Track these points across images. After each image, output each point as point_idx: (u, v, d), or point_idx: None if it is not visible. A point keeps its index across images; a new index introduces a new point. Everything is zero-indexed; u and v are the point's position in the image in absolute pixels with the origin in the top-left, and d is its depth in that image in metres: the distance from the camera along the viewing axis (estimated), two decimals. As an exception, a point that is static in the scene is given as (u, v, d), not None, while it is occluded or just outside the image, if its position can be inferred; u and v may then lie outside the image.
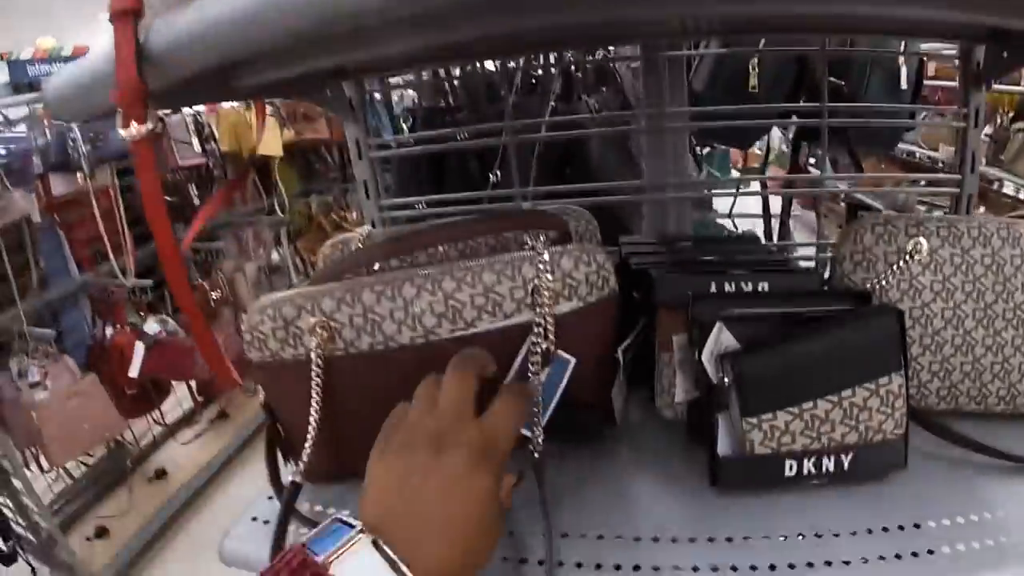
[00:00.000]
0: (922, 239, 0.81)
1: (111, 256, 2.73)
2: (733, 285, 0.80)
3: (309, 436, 0.70)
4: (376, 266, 0.79)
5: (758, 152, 2.65)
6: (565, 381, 0.71)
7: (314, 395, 0.69)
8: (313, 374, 0.69)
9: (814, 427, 0.70)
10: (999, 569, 0.63)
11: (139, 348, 2.65)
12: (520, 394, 0.65)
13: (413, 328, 0.70)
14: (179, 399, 3.19)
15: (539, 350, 0.70)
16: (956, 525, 0.68)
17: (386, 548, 0.48)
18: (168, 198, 2.83)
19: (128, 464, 3.00)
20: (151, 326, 2.71)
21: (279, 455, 0.78)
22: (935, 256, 0.81)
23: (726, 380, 0.70)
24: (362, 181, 1.18)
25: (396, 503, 0.52)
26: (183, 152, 2.85)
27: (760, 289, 0.80)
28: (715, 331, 0.71)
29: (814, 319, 0.73)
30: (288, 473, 0.73)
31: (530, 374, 0.69)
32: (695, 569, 0.65)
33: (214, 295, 2.95)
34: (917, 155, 3.80)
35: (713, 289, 0.80)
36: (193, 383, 3.03)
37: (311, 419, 0.70)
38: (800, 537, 0.68)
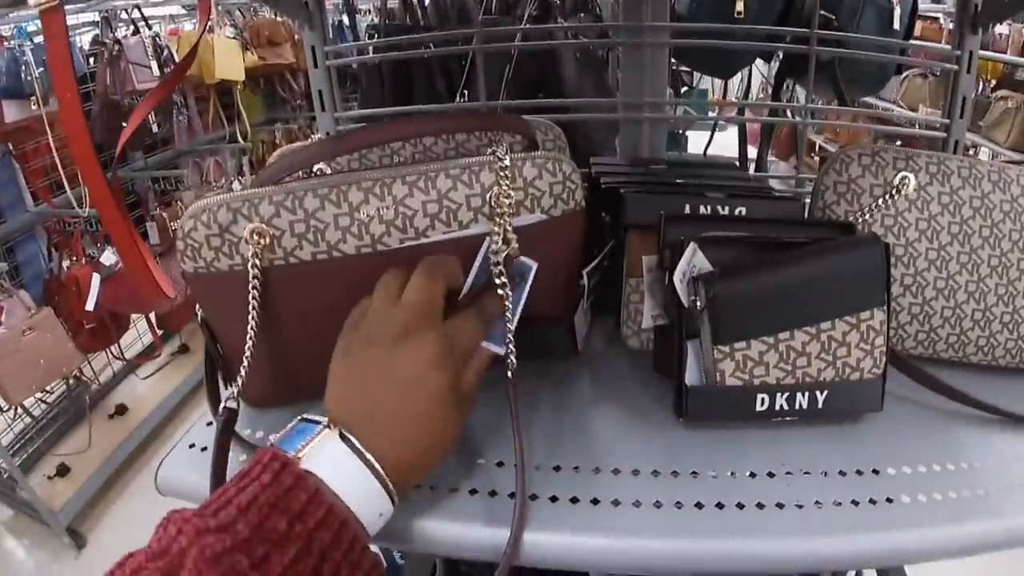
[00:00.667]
0: (910, 174, 0.76)
1: (67, 186, 2.64)
2: (709, 208, 0.75)
3: (246, 354, 0.64)
4: (321, 168, 0.73)
5: (735, 100, 2.60)
6: (528, 288, 0.65)
7: (252, 309, 0.63)
8: (250, 286, 0.63)
9: (789, 360, 0.66)
10: (959, 521, 0.60)
11: (95, 280, 2.57)
12: (486, 299, 0.62)
13: (359, 237, 0.64)
14: (139, 333, 3.14)
15: (499, 259, 0.64)
16: (925, 473, 0.65)
17: (352, 438, 0.50)
18: (125, 124, 2.71)
19: (87, 401, 2.94)
20: (108, 257, 2.62)
21: (219, 377, 0.72)
22: (923, 193, 0.77)
23: (698, 304, 0.65)
24: (317, 91, 1.10)
25: (358, 398, 0.54)
26: (140, 75, 2.72)
27: (737, 213, 0.75)
28: (688, 251, 0.66)
29: (794, 246, 0.68)
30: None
31: (496, 281, 0.63)
32: (657, 504, 0.60)
33: (173, 225, 2.85)
34: (895, 113, 3.77)
35: (687, 211, 0.75)
36: (152, 316, 2.97)
37: (248, 335, 0.63)
38: (769, 476, 0.64)
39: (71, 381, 2.91)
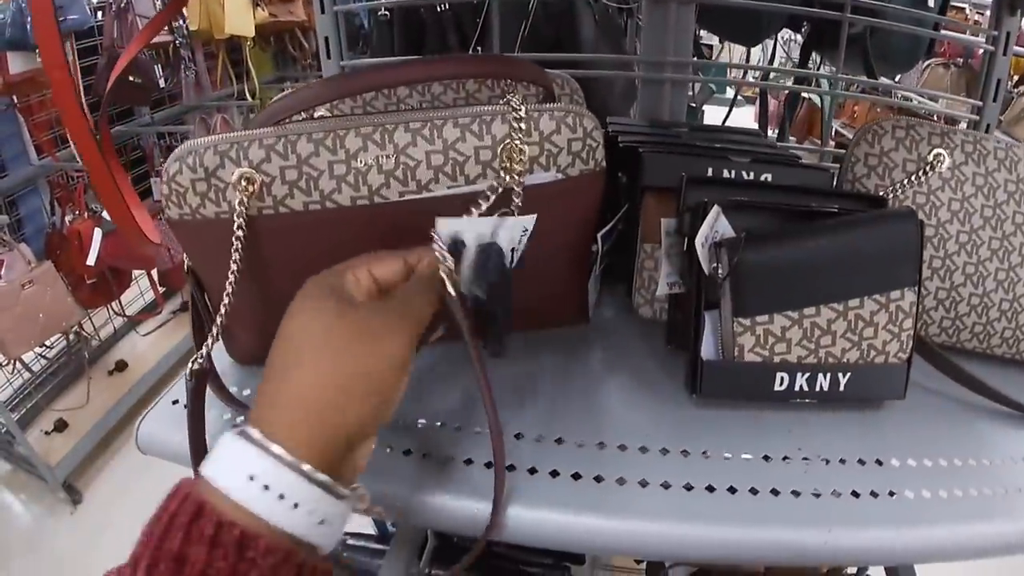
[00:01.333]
0: (945, 151, 0.72)
1: (72, 140, 2.60)
2: (732, 172, 0.71)
3: (222, 310, 0.59)
4: (323, 115, 0.68)
5: (759, 66, 2.54)
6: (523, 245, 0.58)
7: (234, 259, 0.58)
8: (235, 236, 0.57)
9: (813, 338, 0.62)
10: (982, 520, 0.57)
11: (97, 235, 2.52)
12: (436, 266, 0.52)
13: (356, 187, 0.59)
14: (140, 290, 3.11)
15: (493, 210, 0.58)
16: (947, 468, 0.61)
17: (251, 432, 0.40)
18: (132, 79, 2.66)
19: (87, 356, 2.92)
20: (110, 212, 2.59)
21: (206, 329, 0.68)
22: (957, 172, 0.73)
23: (720, 271, 0.61)
24: (323, 37, 1.05)
25: (280, 364, 0.44)
26: (149, 28, 2.67)
27: (763, 179, 0.71)
28: (712, 215, 0.61)
29: (824, 216, 0.64)
30: (215, 350, 0.62)
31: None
32: (665, 486, 0.57)
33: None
34: (914, 100, 3.70)
35: (709, 174, 0.71)
36: (155, 273, 2.94)
37: (227, 290, 0.58)
38: (785, 460, 0.60)
39: (71, 336, 2.88)
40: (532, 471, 0.58)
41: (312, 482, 0.40)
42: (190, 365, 0.58)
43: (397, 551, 0.71)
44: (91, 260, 2.56)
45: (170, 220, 0.60)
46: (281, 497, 0.38)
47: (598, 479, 0.57)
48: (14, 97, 2.51)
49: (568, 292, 0.70)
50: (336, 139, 0.59)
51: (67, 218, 2.67)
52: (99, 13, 2.73)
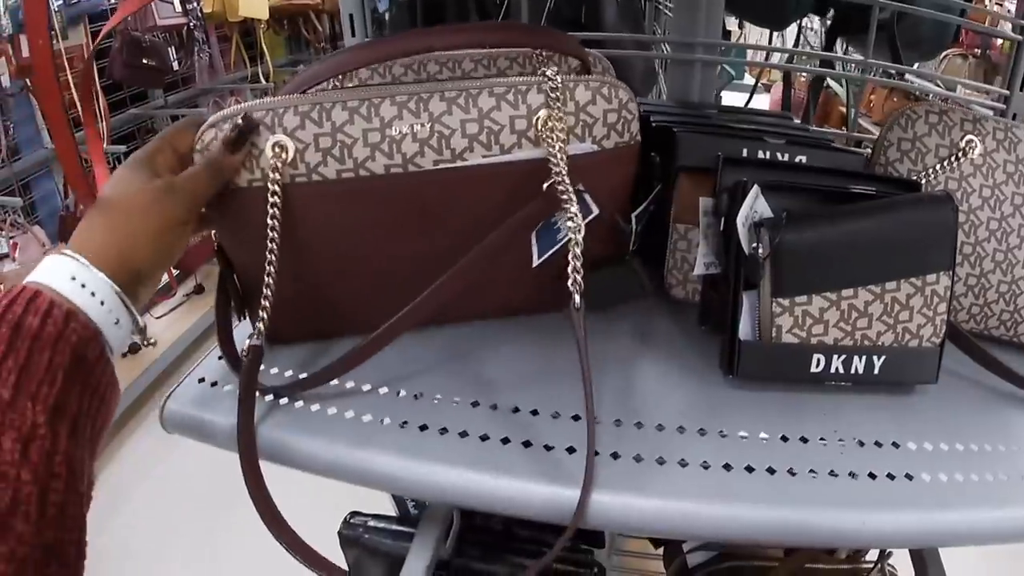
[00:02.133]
0: (977, 138, 0.72)
1: (84, 117, 2.58)
2: (767, 153, 0.71)
3: (267, 282, 0.59)
4: (351, 83, 0.67)
5: (784, 48, 2.52)
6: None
7: (271, 226, 0.58)
8: (269, 204, 0.58)
9: (850, 320, 0.62)
10: (1004, 505, 0.57)
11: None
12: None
13: (390, 155, 0.59)
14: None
15: (568, 189, 0.57)
16: (980, 452, 0.61)
17: (70, 252, 0.51)
18: (146, 61, 2.66)
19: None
20: (123, 194, 2.58)
21: (232, 310, 0.68)
22: (988, 159, 0.72)
23: (761, 251, 0.60)
24: (347, 15, 1.04)
25: (96, 211, 0.54)
26: (163, 11, 2.65)
27: (798, 161, 0.70)
28: (751, 195, 0.61)
29: (861, 198, 0.64)
30: (246, 334, 0.61)
31: (566, 220, 0.56)
32: (705, 466, 0.56)
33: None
34: (930, 97, 3.69)
35: (744, 155, 0.70)
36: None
37: (268, 260, 0.59)
38: (822, 442, 0.60)
39: (83, 318, 2.89)
40: (571, 450, 0.57)
41: (111, 288, 0.51)
42: (248, 340, 0.59)
43: (426, 533, 0.70)
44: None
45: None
46: (93, 294, 0.50)
47: (637, 459, 0.57)
48: (27, 80, 2.50)
49: (615, 269, 0.69)
50: (371, 107, 0.59)
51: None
52: (113, -4, 2.71)
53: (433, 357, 0.68)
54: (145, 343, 0.58)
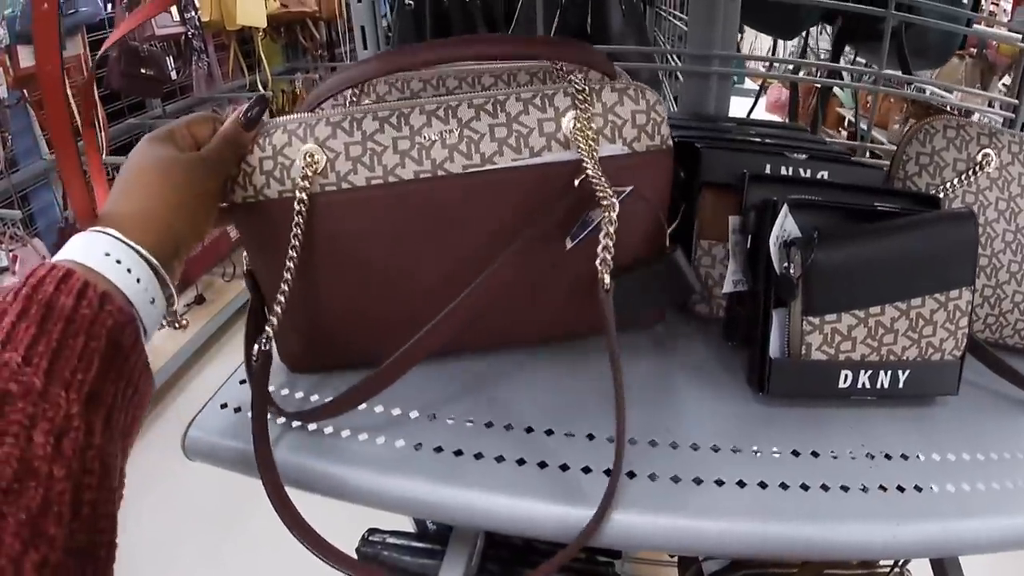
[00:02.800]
0: (993, 152, 0.73)
1: (83, 133, 2.57)
2: (790, 170, 0.71)
3: (283, 289, 0.59)
4: (367, 102, 0.68)
5: (790, 59, 2.53)
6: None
7: (294, 234, 0.59)
8: (295, 211, 0.59)
9: (877, 336, 0.62)
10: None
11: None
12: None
13: (419, 161, 0.59)
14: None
15: (600, 177, 0.56)
16: (1003, 461, 0.63)
17: (103, 228, 0.49)
18: (144, 71, 2.64)
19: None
20: (124, 205, 2.57)
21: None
22: (1004, 172, 0.73)
23: (792, 271, 0.61)
24: (360, 27, 1.04)
25: (124, 187, 0.54)
26: (161, 20, 2.63)
27: (820, 177, 0.71)
28: (782, 214, 0.62)
29: (886, 215, 0.65)
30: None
31: (600, 201, 0.55)
32: (741, 484, 0.57)
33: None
34: (927, 92, 3.70)
35: (768, 171, 0.71)
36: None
37: (287, 267, 0.59)
38: (852, 457, 0.60)
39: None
40: (607, 472, 0.58)
41: (148, 264, 0.49)
42: (257, 346, 0.59)
43: (455, 554, 0.70)
44: (104, 252, 2.55)
45: (232, 205, 0.61)
46: (129, 271, 0.48)
47: (675, 479, 0.57)
48: (25, 91, 2.49)
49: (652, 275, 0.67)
50: (401, 117, 0.60)
51: (80, 212, 2.66)
52: (110, 5, 2.71)
53: (446, 379, 0.68)
54: (177, 324, 0.56)
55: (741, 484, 0.57)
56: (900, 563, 1.00)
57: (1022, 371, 0.70)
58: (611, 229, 0.54)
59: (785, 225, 0.62)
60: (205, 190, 0.56)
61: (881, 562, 1.05)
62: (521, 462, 0.59)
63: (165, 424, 2.81)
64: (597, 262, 0.55)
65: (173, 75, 2.86)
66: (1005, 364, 0.70)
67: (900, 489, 0.57)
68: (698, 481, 0.57)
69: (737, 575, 1.07)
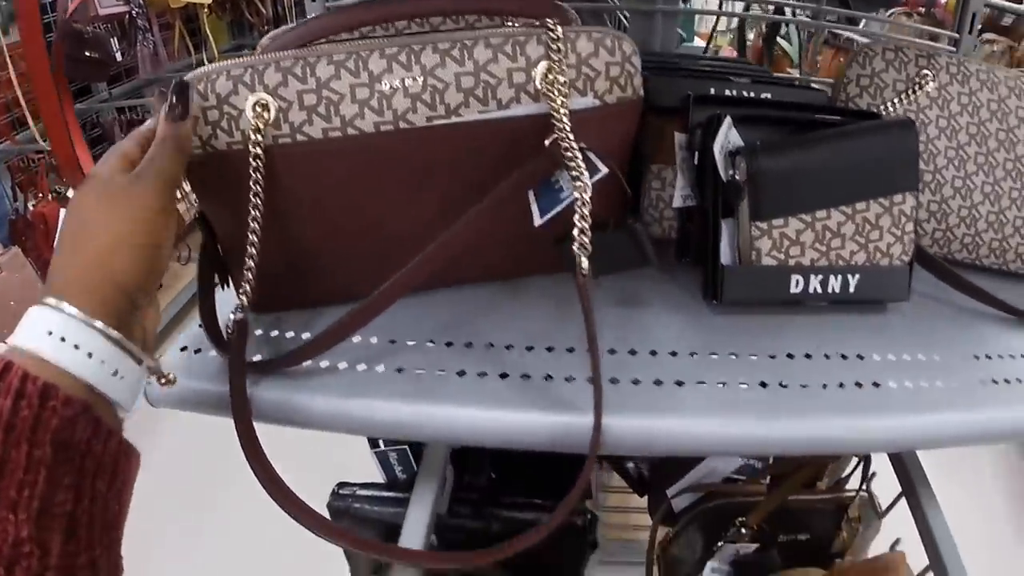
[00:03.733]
0: (930, 72, 0.76)
1: (31, 122, 2.52)
2: (734, 92, 0.73)
3: (250, 251, 0.56)
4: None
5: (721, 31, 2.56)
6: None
7: (254, 192, 0.55)
8: (252, 167, 0.54)
9: (825, 240, 0.64)
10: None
11: (63, 216, 2.47)
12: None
13: (380, 112, 0.55)
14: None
15: (573, 146, 0.54)
16: (962, 363, 0.65)
17: (45, 299, 0.44)
18: (88, 53, 2.58)
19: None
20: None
21: (215, 280, 0.65)
22: (943, 92, 0.76)
23: (738, 177, 0.62)
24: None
25: (62, 241, 0.48)
26: (104, 0, 2.60)
27: (763, 98, 0.73)
28: (725, 125, 0.63)
29: (827, 126, 0.66)
30: (227, 301, 0.59)
31: (571, 180, 0.55)
32: (700, 382, 0.58)
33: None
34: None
35: (712, 93, 0.73)
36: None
37: (251, 228, 0.56)
38: (808, 357, 0.62)
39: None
40: (570, 379, 0.59)
41: (101, 334, 0.44)
42: (232, 315, 0.57)
43: (423, 487, 0.70)
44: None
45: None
46: (76, 347, 0.42)
47: (635, 382, 0.58)
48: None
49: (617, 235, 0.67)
50: (359, 61, 0.56)
51: (30, 203, 2.61)
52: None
53: (424, 310, 0.67)
54: (163, 381, 0.51)
55: (701, 382, 0.58)
56: (866, 487, 1.03)
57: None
58: (586, 211, 0.54)
59: (729, 136, 0.63)
60: (146, 211, 0.49)
61: (847, 487, 1.08)
62: (504, 376, 0.59)
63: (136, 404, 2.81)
64: (575, 247, 0.54)
65: (118, 57, 2.79)
66: (951, 271, 0.72)
67: (858, 385, 0.60)
68: (658, 382, 0.58)
69: (708, 506, 1.09)
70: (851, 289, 0.66)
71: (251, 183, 0.55)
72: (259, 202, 0.56)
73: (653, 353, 0.62)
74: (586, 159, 0.55)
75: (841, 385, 0.59)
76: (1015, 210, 0.77)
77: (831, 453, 0.58)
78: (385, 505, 1.01)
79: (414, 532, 0.66)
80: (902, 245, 0.67)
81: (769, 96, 0.73)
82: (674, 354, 0.62)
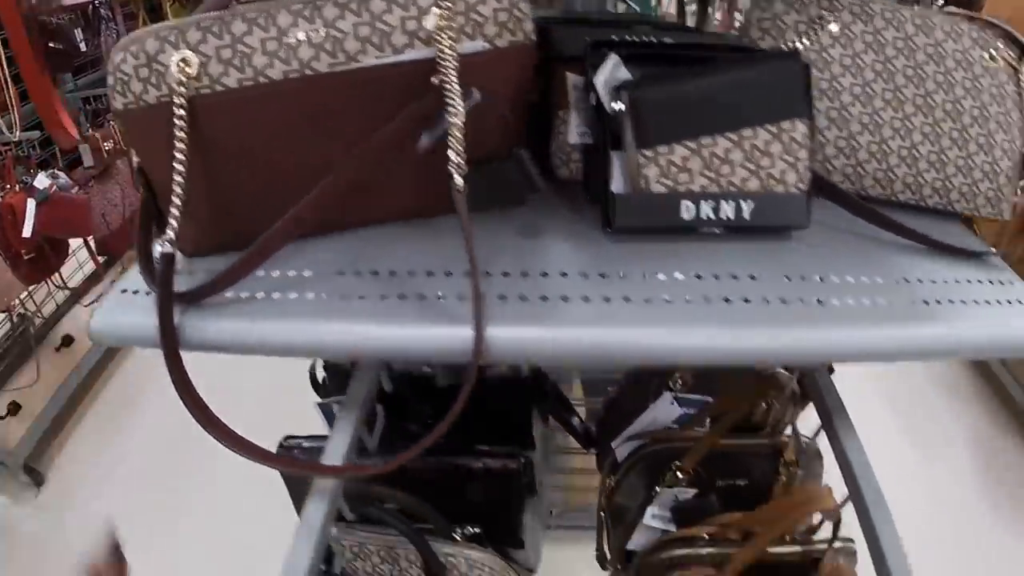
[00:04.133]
0: (831, 13, 0.78)
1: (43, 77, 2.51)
2: (636, 37, 0.76)
3: (175, 191, 0.62)
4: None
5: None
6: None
7: (178, 142, 0.61)
8: (176, 115, 0.61)
9: (713, 167, 0.67)
10: (897, 324, 0.63)
11: (30, 205, 2.46)
12: None
13: (287, 61, 0.62)
14: (79, 263, 3.07)
15: (453, 81, 0.61)
16: (855, 284, 0.68)
17: None
18: (53, 44, 2.59)
19: (32, 335, 2.88)
20: (41, 180, 2.51)
21: (154, 226, 0.69)
22: (846, 31, 0.78)
23: (621, 108, 0.65)
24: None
25: None
26: (69, -10, 2.61)
27: (663, 41, 0.76)
28: (609, 62, 0.66)
29: (714, 60, 0.69)
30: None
31: (448, 106, 0.61)
32: (585, 299, 0.62)
33: (107, 145, 2.75)
34: None
35: (613, 39, 0.75)
36: (92, 242, 2.88)
37: (176, 170, 0.62)
38: (698, 277, 0.65)
39: (15, 318, 2.84)
40: (461, 298, 0.63)
41: None
42: (159, 247, 0.61)
43: (345, 414, 0.74)
44: (27, 232, 2.51)
45: (116, 112, 0.63)
46: None
47: (522, 298, 0.62)
48: None
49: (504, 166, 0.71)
50: (268, 18, 0.62)
51: (-1, 194, 2.62)
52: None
53: (342, 246, 0.71)
54: None
55: (586, 299, 0.61)
56: (800, 432, 1.06)
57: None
58: (459, 135, 0.60)
59: (617, 73, 0.66)
60: None
61: (778, 426, 1.11)
62: (402, 296, 0.63)
63: (107, 399, 2.83)
64: (449, 165, 0.59)
65: (83, 47, 2.80)
66: (852, 198, 0.75)
67: (746, 301, 0.62)
68: (544, 298, 0.62)
69: (646, 450, 1.13)
70: (746, 215, 0.69)
71: (176, 131, 0.61)
72: (184, 147, 0.62)
73: (544, 275, 0.65)
74: (466, 92, 0.61)
75: (727, 300, 0.62)
76: (928, 145, 0.79)
77: (709, 363, 0.61)
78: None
79: (335, 451, 0.73)
80: (796, 172, 0.69)
81: (669, 40, 0.76)
82: (564, 275, 0.65)
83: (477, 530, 1.05)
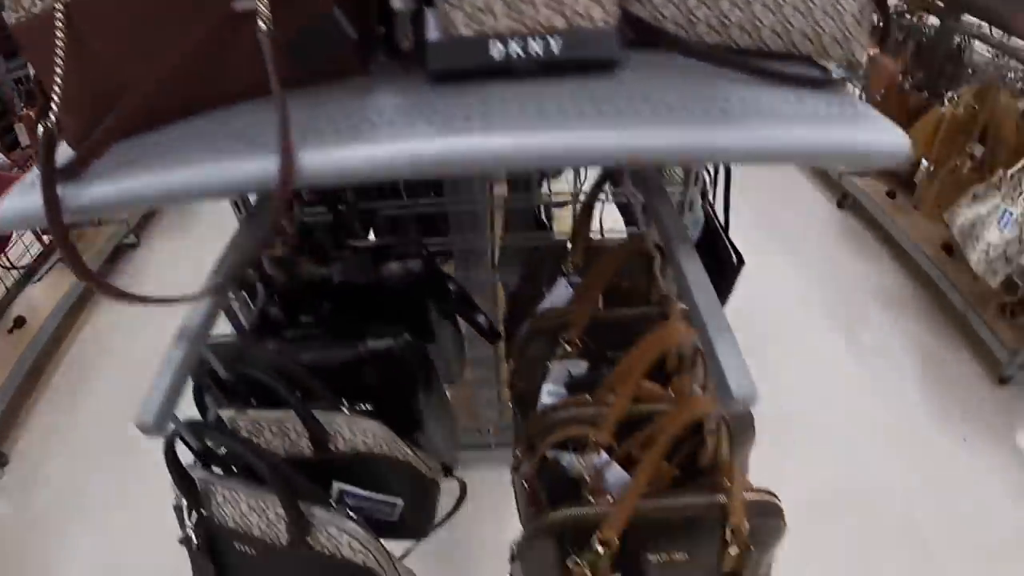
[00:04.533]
0: None
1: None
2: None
3: (56, 77, 0.69)
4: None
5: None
6: None
7: (58, 38, 0.69)
8: (56, 19, 0.68)
9: (516, 8, 0.72)
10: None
11: None
12: None
13: None
14: (26, 246, 3.09)
15: None
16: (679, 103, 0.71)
17: None
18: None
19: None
20: (-17, 160, 2.56)
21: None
22: None
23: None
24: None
25: None
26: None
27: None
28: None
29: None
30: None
31: None
32: (392, 123, 0.68)
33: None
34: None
35: None
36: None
37: (56, 60, 0.69)
38: (521, 109, 0.70)
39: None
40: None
41: None
42: (40, 128, 0.68)
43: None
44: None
45: (12, 28, 0.70)
46: None
47: (337, 131, 0.69)
48: None
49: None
50: None
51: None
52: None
53: (184, 124, 0.77)
54: None
55: (392, 123, 0.69)
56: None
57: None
58: None
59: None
60: None
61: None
62: (235, 149, 0.70)
63: (61, 379, 2.89)
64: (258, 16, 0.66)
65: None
66: (676, 37, 0.78)
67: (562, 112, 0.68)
68: (356, 128, 0.69)
69: (535, 326, 1.18)
70: (555, 51, 0.73)
71: (55, 31, 0.69)
72: (62, 44, 0.70)
73: (365, 119, 0.71)
74: None
75: (540, 111, 0.68)
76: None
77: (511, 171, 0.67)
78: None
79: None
80: (602, 8, 0.73)
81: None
82: (380, 113, 0.71)
83: (368, 407, 1.10)
